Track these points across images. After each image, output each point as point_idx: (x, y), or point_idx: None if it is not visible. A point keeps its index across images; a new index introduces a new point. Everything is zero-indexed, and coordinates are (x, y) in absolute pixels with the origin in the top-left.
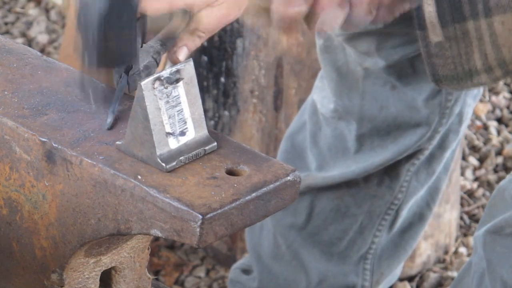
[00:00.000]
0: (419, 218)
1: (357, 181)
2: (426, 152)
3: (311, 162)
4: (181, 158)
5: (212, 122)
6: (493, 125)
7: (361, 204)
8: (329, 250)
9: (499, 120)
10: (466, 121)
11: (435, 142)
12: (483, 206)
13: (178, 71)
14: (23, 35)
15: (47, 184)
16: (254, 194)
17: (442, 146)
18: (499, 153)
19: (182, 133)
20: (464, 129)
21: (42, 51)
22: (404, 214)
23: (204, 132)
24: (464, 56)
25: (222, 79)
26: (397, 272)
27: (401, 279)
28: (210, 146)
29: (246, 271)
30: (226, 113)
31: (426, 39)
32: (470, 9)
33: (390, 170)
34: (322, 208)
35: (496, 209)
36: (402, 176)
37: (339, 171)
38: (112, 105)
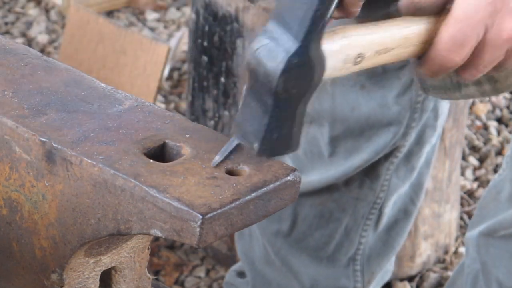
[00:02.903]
0: (404, 214)
1: (338, 186)
2: (403, 149)
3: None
4: None
5: (212, 122)
6: (493, 125)
7: (345, 208)
8: (317, 255)
9: (499, 120)
10: (443, 116)
11: (411, 138)
12: None
13: None
14: (23, 35)
15: (47, 184)
16: (254, 194)
17: (419, 142)
18: (499, 153)
19: None
20: (441, 124)
21: (42, 51)
22: (389, 211)
23: None
24: None
25: (222, 79)
26: (389, 268)
27: (401, 279)
28: None
29: (241, 274)
30: (226, 113)
31: None
32: None
33: (369, 172)
34: (306, 215)
35: (488, 210)
36: (382, 175)
37: (317, 175)
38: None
